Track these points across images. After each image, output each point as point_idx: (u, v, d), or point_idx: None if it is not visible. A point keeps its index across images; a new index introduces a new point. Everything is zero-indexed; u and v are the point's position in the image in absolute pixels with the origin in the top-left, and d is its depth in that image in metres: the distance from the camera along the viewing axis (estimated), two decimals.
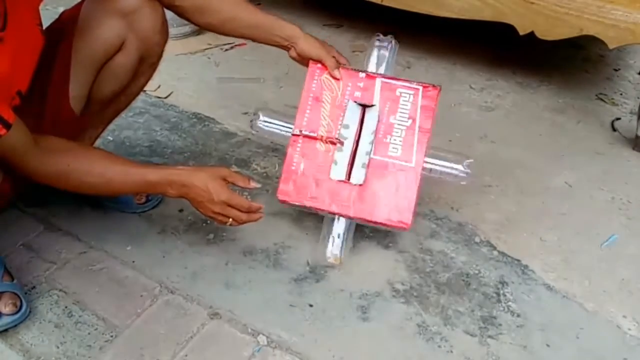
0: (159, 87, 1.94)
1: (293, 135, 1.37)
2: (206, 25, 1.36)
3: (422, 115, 1.34)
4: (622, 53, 2.30)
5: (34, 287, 1.32)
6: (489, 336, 1.26)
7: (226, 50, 2.22)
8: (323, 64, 1.36)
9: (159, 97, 1.94)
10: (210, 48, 2.22)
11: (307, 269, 1.39)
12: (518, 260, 1.43)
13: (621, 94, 2.09)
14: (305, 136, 1.36)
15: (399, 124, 1.34)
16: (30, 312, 1.26)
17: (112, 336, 1.23)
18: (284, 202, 1.37)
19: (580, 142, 1.85)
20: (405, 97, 1.36)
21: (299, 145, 1.36)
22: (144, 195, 1.51)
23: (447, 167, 1.40)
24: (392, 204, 1.32)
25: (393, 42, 1.45)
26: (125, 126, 1.78)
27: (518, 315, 1.30)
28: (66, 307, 1.29)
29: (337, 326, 1.27)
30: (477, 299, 1.34)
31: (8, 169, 1.15)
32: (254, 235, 1.45)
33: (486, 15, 1.86)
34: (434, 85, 1.38)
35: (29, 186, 1.47)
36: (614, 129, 1.90)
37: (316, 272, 1.38)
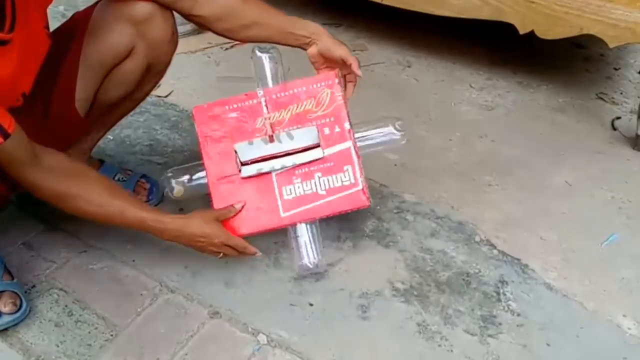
0: (159, 86, 1.93)
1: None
2: (226, 31, 1.33)
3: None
4: (622, 52, 2.30)
5: (34, 286, 1.32)
6: (489, 335, 1.26)
7: (226, 49, 2.22)
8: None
9: (159, 96, 1.94)
10: (211, 47, 2.22)
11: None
12: (518, 260, 1.43)
13: (621, 93, 2.09)
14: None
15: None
16: (30, 311, 1.26)
17: (112, 335, 1.23)
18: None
19: (580, 141, 1.85)
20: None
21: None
22: (144, 195, 1.51)
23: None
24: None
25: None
26: (125, 125, 1.78)
27: (518, 315, 1.30)
28: (66, 306, 1.29)
29: (337, 325, 1.27)
30: (477, 298, 1.34)
31: (4, 172, 1.15)
32: None
33: (486, 14, 1.86)
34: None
35: None
36: (614, 128, 1.90)
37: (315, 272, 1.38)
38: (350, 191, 1.31)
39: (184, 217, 1.27)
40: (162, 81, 1.51)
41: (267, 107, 1.32)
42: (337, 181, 1.31)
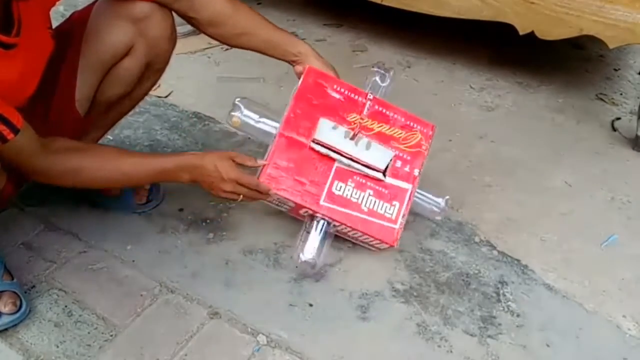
0: (159, 86, 1.93)
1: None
2: (218, 36, 1.37)
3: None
4: (622, 53, 2.30)
5: (33, 287, 1.32)
6: (489, 336, 1.26)
7: (226, 49, 2.21)
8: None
9: (159, 97, 1.94)
10: (211, 47, 2.22)
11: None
12: (518, 260, 1.43)
13: (621, 94, 2.09)
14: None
15: None
16: (30, 311, 1.26)
17: (111, 335, 1.23)
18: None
19: (580, 141, 1.85)
20: None
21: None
22: (144, 196, 1.51)
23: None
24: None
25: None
26: (125, 125, 1.78)
27: (518, 315, 1.30)
28: (66, 306, 1.29)
29: (337, 326, 1.27)
30: (476, 298, 1.34)
31: (12, 170, 1.16)
32: (254, 234, 1.45)
33: (486, 15, 1.86)
34: None
35: (30, 185, 1.47)
36: (614, 129, 1.90)
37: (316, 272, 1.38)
38: (386, 224, 1.34)
39: (199, 153, 1.28)
40: (162, 82, 1.52)
41: (367, 110, 1.37)
42: (381, 208, 1.34)
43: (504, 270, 1.41)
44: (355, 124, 1.35)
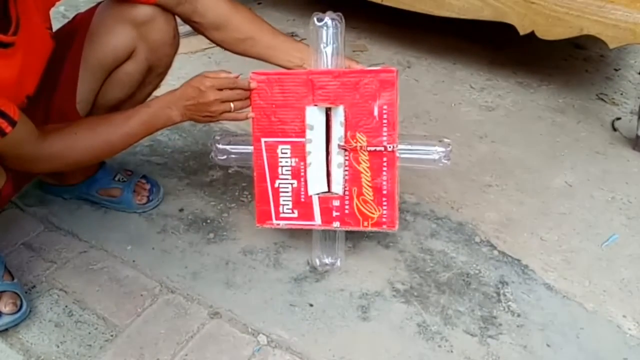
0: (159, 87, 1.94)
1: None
2: (221, 41, 1.35)
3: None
4: (622, 53, 2.30)
5: (34, 287, 1.33)
6: (489, 336, 1.26)
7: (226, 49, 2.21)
8: None
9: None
10: (211, 47, 2.21)
11: (307, 269, 1.39)
12: (518, 260, 1.43)
13: (621, 94, 2.09)
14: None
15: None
16: (30, 311, 1.26)
17: (112, 335, 1.23)
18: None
19: (580, 141, 1.85)
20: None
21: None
22: (145, 196, 1.51)
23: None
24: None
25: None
26: None
27: (518, 315, 1.30)
28: (66, 306, 1.29)
29: (337, 326, 1.27)
30: (477, 298, 1.34)
31: (12, 170, 1.16)
32: (254, 234, 1.45)
33: (486, 14, 1.86)
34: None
35: (30, 185, 1.47)
36: (614, 129, 1.90)
37: (316, 271, 1.38)
38: (271, 210, 1.31)
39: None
40: (163, 82, 1.52)
41: (374, 149, 1.27)
42: (283, 201, 1.31)
43: (504, 270, 1.41)
44: (356, 143, 1.26)
